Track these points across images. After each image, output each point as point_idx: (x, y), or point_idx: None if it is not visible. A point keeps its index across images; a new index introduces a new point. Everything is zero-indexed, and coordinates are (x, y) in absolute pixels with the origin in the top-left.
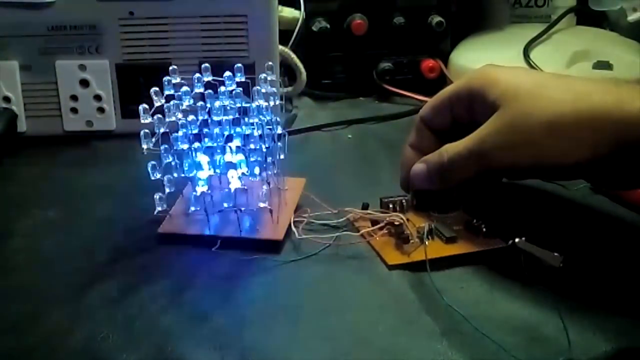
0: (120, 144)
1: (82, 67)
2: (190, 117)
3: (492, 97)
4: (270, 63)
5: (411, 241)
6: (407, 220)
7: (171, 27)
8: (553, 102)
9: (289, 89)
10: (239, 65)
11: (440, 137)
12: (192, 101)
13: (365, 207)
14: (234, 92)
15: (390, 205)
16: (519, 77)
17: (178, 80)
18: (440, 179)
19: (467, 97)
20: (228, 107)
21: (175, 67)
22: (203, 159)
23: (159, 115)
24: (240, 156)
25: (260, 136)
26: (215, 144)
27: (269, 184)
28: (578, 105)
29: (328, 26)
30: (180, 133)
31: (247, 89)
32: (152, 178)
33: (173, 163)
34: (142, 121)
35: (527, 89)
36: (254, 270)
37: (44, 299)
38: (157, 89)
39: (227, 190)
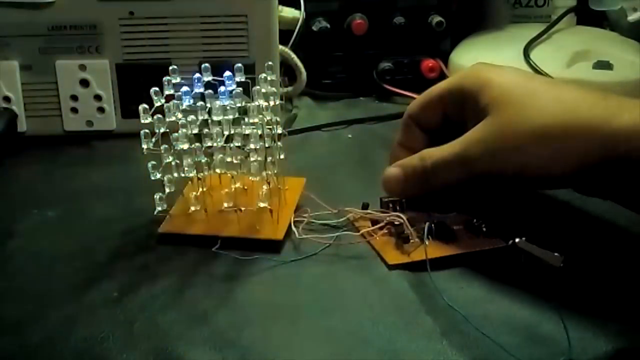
0: (120, 144)
1: (82, 67)
2: (190, 117)
3: (484, 101)
4: (270, 63)
5: (411, 241)
6: (407, 220)
7: (171, 27)
8: (541, 112)
9: (289, 89)
10: (239, 65)
11: (429, 135)
12: (192, 101)
13: (365, 207)
14: (234, 92)
15: (390, 205)
16: (512, 82)
17: (178, 80)
18: (421, 185)
19: (460, 97)
20: (228, 107)
21: (175, 67)
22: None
23: (159, 115)
24: (241, 156)
25: (260, 136)
26: (215, 144)
27: (269, 183)
28: (566, 118)
29: (328, 26)
30: (180, 133)
31: (247, 89)
32: (152, 178)
33: (173, 163)
34: (142, 121)
35: (518, 97)
36: (254, 270)
37: (44, 299)
38: (157, 89)
39: (227, 190)
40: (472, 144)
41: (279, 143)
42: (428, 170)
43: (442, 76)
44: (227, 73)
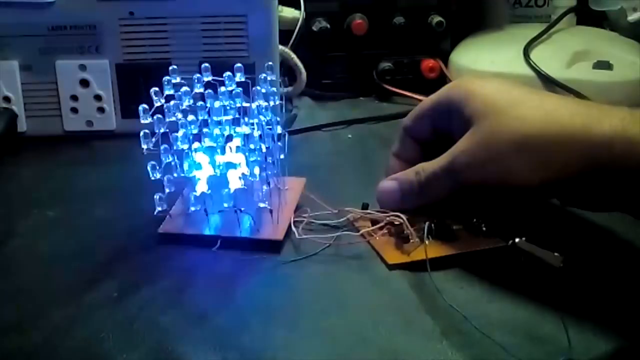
0: (120, 144)
1: (82, 67)
2: (190, 117)
3: (468, 112)
4: (270, 63)
5: (411, 241)
6: (407, 219)
7: (171, 27)
8: (522, 121)
9: (289, 89)
10: (239, 65)
11: (423, 147)
12: (192, 101)
13: (365, 207)
14: (233, 92)
15: None
16: (495, 92)
17: (178, 80)
18: (416, 198)
19: (446, 109)
20: (228, 107)
21: (175, 67)
22: (203, 159)
23: (159, 115)
24: (240, 156)
25: (260, 136)
26: (215, 144)
27: (269, 184)
28: (546, 126)
29: (328, 26)
30: (180, 133)
31: (247, 89)
32: (152, 178)
33: (173, 163)
34: (142, 121)
35: (500, 107)
36: (254, 270)
37: (44, 299)
38: (157, 89)
39: (227, 190)
40: (458, 156)
41: (279, 143)
42: (422, 184)
43: (442, 76)
44: (227, 73)
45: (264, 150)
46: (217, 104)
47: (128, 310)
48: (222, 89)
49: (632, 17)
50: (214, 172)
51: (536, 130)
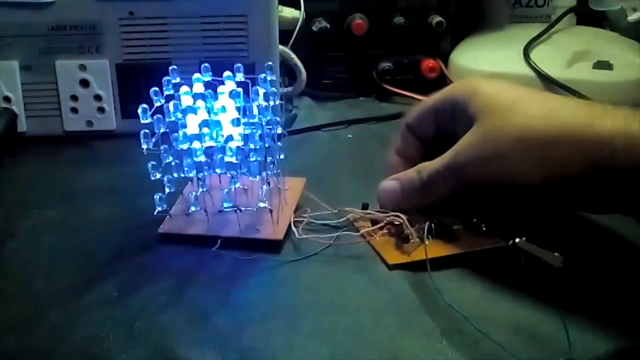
0: (120, 144)
1: (82, 67)
2: (190, 117)
3: (472, 110)
4: (270, 63)
5: (411, 241)
6: (407, 219)
7: (171, 27)
8: (525, 117)
9: (289, 89)
10: (239, 65)
11: (425, 145)
12: (192, 100)
13: (365, 207)
14: (234, 92)
15: None
16: (498, 91)
17: (178, 80)
18: (418, 198)
19: (450, 107)
20: (228, 107)
21: (175, 67)
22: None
23: (159, 115)
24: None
25: (260, 136)
26: (215, 144)
27: (269, 184)
28: (549, 122)
29: (328, 26)
30: (180, 133)
31: (247, 89)
32: (152, 178)
33: (173, 163)
34: (142, 121)
35: (503, 104)
36: (254, 270)
37: (44, 299)
38: (157, 89)
39: (227, 190)
40: (460, 152)
41: (279, 143)
42: (425, 183)
43: (442, 76)
44: (227, 73)
45: (264, 150)
46: (217, 104)
47: (128, 310)
48: (222, 88)
49: (632, 17)
50: (214, 172)
51: (538, 127)
